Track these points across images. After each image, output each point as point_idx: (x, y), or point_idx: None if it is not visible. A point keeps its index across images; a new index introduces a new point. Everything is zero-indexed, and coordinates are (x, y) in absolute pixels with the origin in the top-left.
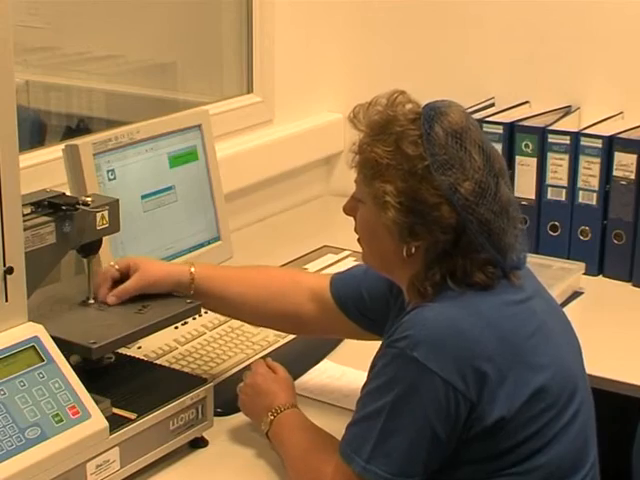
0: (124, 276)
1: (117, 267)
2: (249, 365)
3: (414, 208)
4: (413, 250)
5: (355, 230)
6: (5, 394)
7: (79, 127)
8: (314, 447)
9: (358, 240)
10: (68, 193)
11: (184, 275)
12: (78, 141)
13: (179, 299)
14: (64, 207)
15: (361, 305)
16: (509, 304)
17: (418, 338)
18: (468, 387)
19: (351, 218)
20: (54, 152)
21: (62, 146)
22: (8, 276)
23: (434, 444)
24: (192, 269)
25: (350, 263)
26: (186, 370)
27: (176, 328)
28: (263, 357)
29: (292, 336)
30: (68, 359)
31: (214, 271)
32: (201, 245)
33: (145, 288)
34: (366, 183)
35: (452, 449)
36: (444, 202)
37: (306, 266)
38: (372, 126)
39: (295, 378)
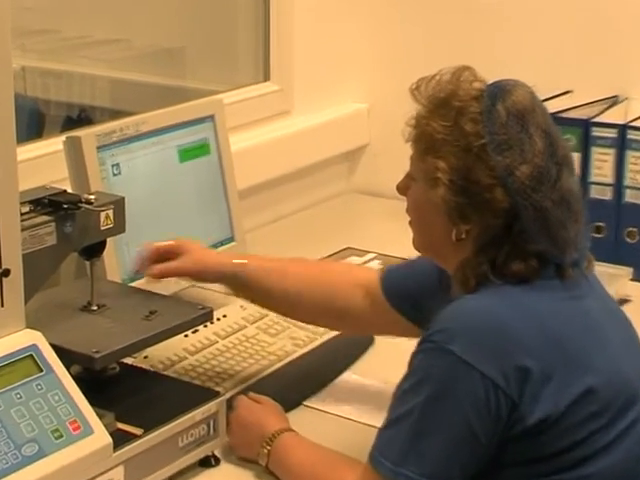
0: (167, 257)
1: (166, 243)
2: (231, 402)
3: (466, 188)
4: (463, 235)
5: (407, 211)
6: (1, 407)
7: (80, 117)
8: (324, 462)
9: (410, 223)
10: (69, 190)
11: (236, 267)
12: (80, 133)
13: (190, 304)
14: (65, 206)
15: (412, 299)
16: (556, 300)
17: (455, 330)
18: (509, 384)
19: (375, 219)
20: (53, 145)
21: (62, 138)
22: (4, 279)
23: (472, 445)
24: (245, 260)
25: (375, 266)
26: (196, 382)
27: (186, 336)
28: (242, 392)
29: (311, 346)
30: (69, 369)
31: (269, 265)
32: (213, 247)
33: (190, 273)
34: (419, 158)
35: (492, 451)
36: (498, 184)
37: None
38: (432, 100)
39: (315, 392)
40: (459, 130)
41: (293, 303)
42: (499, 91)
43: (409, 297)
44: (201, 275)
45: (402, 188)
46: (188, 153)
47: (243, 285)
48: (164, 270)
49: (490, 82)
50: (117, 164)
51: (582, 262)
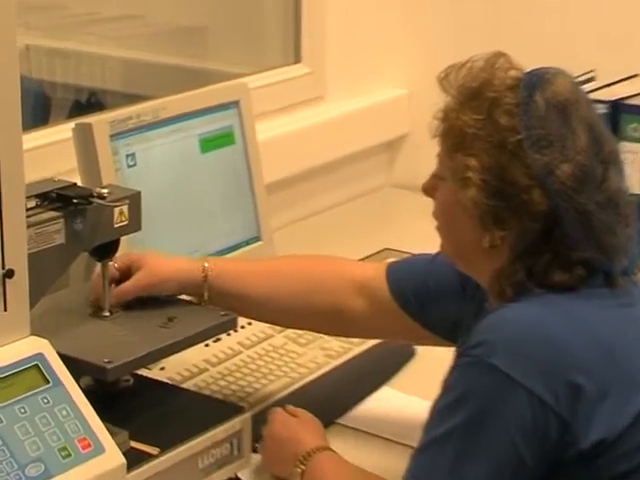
0: (125, 276)
1: (116, 266)
2: (266, 414)
3: (499, 189)
4: (498, 241)
5: (434, 215)
6: (2, 423)
7: (90, 102)
8: None
9: (437, 228)
10: (79, 183)
11: (195, 272)
12: (91, 119)
13: (211, 310)
14: (75, 200)
15: (425, 299)
16: (605, 308)
17: (497, 342)
18: (559, 401)
19: (416, 217)
20: (60, 132)
21: (70, 125)
22: (7, 280)
23: (519, 469)
24: (205, 264)
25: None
26: (218, 396)
27: (207, 346)
28: (280, 405)
29: (345, 358)
30: (78, 381)
31: (233, 265)
32: (237, 246)
33: (148, 288)
34: (448, 155)
35: (541, 476)
36: (536, 185)
37: None
38: (463, 90)
39: (349, 408)
40: (492, 124)
41: (261, 305)
42: (538, 80)
43: (421, 296)
44: (160, 287)
45: (428, 189)
46: (210, 143)
47: (207, 292)
48: (119, 293)
49: (528, 70)
50: (132, 154)
51: (633, 270)
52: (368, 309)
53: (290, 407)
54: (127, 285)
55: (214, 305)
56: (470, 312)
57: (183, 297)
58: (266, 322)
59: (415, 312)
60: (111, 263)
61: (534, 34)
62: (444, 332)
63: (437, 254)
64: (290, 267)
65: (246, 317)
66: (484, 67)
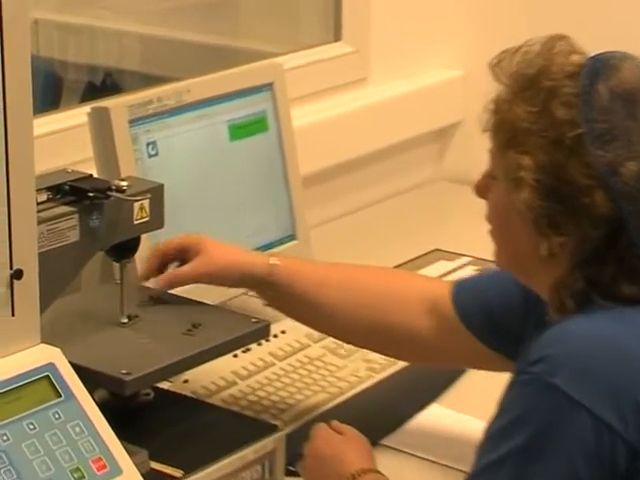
0: (180, 258)
1: (174, 244)
2: (303, 433)
3: (556, 190)
4: (556, 249)
5: (486, 219)
6: (9, 440)
7: (105, 83)
8: None
9: (490, 233)
10: (95, 175)
11: (261, 267)
12: (108, 103)
13: (241, 316)
14: (91, 194)
15: (490, 319)
16: None
17: (559, 359)
18: (627, 426)
19: (471, 214)
20: (72, 117)
21: (85, 109)
22: (16, 282)
23: None
24: (272, 260)
25: (471, 273)
26: (248, 413)
27: (235, 356)
28: (325, 420)
29: (389, 371)
30: (92, 395)
31: (304, 267)
32: (270, 245)
33: (205, 277)
34: (500, 153)
35: None
36: (598, 185)
37: None
38: (517, 78)
39: (394, 428)
40: (548, 117)
41: (328, 316)
42: (602, 66)
43: (488, 316)
44: (219, 277)
45: (481, 189)
46: (241, 130)
47: (272, 291)
48: (172, 278)
49: (592, 55)
50: (153, 142)
51: None
52: (435, 330)
53: (335, 423)
54: (183, 271)
55: (274, 307)
56: (532, 326)
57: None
58: (330, 336)
59: (480, 333)
60: (167, 240)
61: (600, 14)
62: (510, 351)
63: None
64: (363, 278)
65: (311, 327)
66: (541, 52)
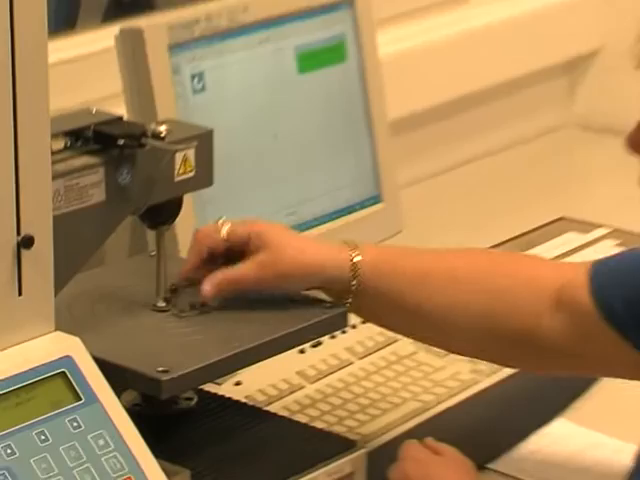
0: (235, 250)
1: (225, 233)
2: (392, 451)
3: None
4: None
5: None
6: (14, 455)
7: None
8: None
9: None
10: (125, 116)
11: (342, 263)
12: (142, 23)
13: (310, 299)
14: (121, 141)
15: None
16: None
17: None
18: None
19: (609, 171)
20: (94, 41)
21: (109, 31)
22: (24, 252)
23: None
24: (354, 256)
25: (609, 249)
26: (318, 425)
27: (302, 352)
28: (417, 437)
29: (500, 375)
30: (120, 398)
31: (395, 259)
32: (348, 210)
33: (271, 281)
34: None
35: None
36: None
37: (531, 252)
38: None
39: (507, 447)
40: None
41: (432, 323)
42: None
43: (637, 307)
44: (287, 284)
45: (634, 142)
46: (312, 59)
47: (358, 296)
48: (222, 283)
49: None
50: (200, 74)
51: None
52: (568, 329)
53: (430, 440)
54: (239, 272)
55: (359, 315)
56: None
57: None
58: (434, 346)
59: (627, 328)
60: (221, 221)
61: None
62: None
63: None
64: (475, 270)
65: (409, 337)
66: None
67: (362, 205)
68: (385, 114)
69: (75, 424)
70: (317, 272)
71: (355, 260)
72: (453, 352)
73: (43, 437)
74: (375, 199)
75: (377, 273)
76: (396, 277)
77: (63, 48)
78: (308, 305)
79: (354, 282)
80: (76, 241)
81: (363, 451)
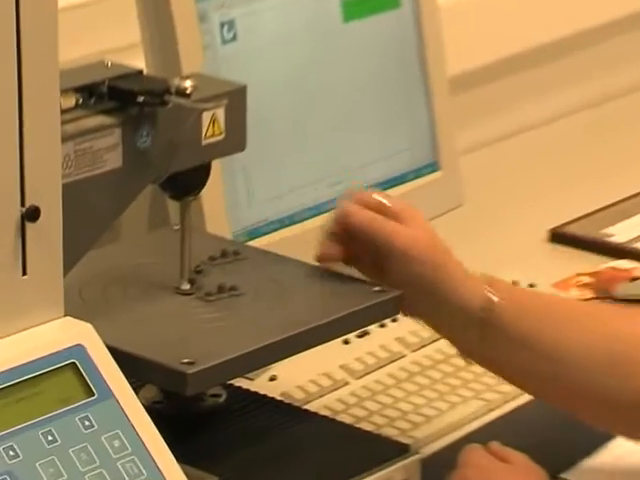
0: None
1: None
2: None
3: None
4: None
5: None
6: (17, 457)
7: None
8: None
9: None
10: (145, 70)
11: (477, 301)
12: None
13: (356, 282)
14: (140, 98)
15: None
16: None
17: None
18: None
19: None
20: None
21: None
22: (29, 225)
23: None
24: (493, 296)
25: None
26: (366, 427)
27: (346, 343)
28: (479, 441)
29: None
30: (138, 394)
31: (525, 295)
32: (401, 179)
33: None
34: None
35: None
36: None
37: (613, 229)
38: None
39: (583, 456)
40: None
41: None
42: None
43: None
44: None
45: None
46: (360, 5)
47: (483, 336)
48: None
49: None
50: (231, 22)
51: None
52: None
53: (496, 445)
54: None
55: (474, 359)
56: None
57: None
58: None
59: None
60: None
61: None
62: None
63: None
64: (589, 321)
65: (530, 388)
66: None
67: (417, 174)
68: (444, 69)
69: (87, 423)
70: (450, 306)
71: (490, 296)
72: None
73: (50, 437)
74: (432, 167)
75: (513, 311)
76: (529, 314)
77: None
78: (353, 287)
79: (488, 322)
80: (88, 213)
81: (417, 457)
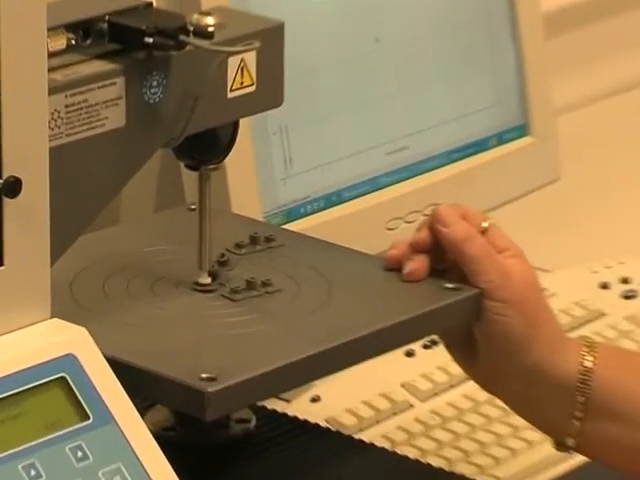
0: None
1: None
2: None
3: None
4: None
5: None
6: None
7: None
8: None
9: None
10: (154, 3)
11: (572, 370)
12: None
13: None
14: (150, 39)
15: None
16: None
17: None
18: None
19: None
20: None
21: None
22: (7, 202)
23: None
24: (586, 361)
25: None
26: (435, 462)
27: (409, 355)
28: None
29: None
30: (144, 417)
31: (624, 360)
32: (481, 145)
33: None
34: None
35: None
36: None
37: None
38: None
39: None
40: None
41: None
42: None
43: None
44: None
45: None
46: None
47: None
48: None
49: None
50: None
51: None
52: None
53: None
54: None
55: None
56: None
57: None
58: None
59: None
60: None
61: None
62: None
63: None
64: None
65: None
66: None
67: (501, 139)
68: (538, 4)
69: (80, 454)
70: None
71: (587, 365)
72: None
73: (33, 472)
74: (521, 130)
75: (610, 382)
76: (629, 386)
77: None
78: (420, 283)
79: (585, 390)
80: (82, 186)
81: None
